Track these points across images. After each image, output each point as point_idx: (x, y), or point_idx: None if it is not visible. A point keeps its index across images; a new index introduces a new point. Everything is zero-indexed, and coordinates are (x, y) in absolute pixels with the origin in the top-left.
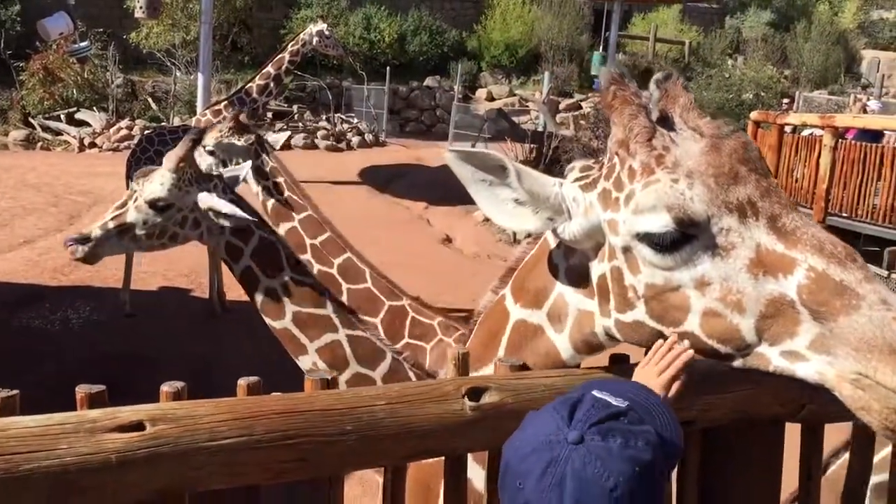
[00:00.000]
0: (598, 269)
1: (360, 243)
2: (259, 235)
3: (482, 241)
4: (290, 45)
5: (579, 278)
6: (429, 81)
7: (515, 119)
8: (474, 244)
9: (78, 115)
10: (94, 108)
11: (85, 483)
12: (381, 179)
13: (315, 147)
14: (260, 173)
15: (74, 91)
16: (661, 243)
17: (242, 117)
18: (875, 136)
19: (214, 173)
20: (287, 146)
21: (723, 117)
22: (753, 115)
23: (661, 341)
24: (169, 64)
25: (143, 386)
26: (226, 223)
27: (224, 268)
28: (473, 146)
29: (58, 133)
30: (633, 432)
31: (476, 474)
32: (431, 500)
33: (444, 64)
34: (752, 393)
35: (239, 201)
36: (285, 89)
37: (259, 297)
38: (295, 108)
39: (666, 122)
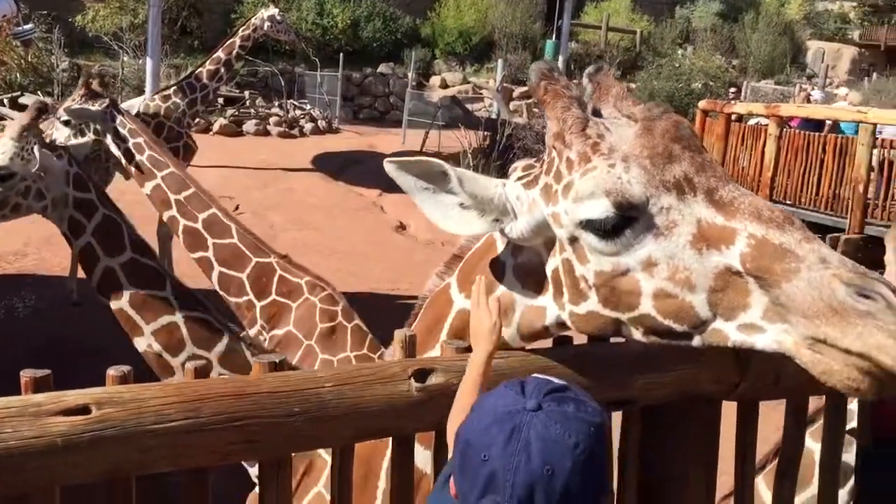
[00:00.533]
0: (551, 264)
1: (313, 230)
2: (103, 213)
3: (436, 228)
4: (240, 30)
5: (526, 275)
6: (382, 68)
7: (469, 106)
8: (428, 231)
9: (22, 100)
10: (39, 92)
11: (30, 466)
12: (335, 166)
13: (267, 133)
14: (118, 136)
15: (18, 75)
16: (604, 229)
17: (95, 84)
18: (818, 125)
19: (62, 144)
20: (238, 133)
21: (670, 106)
22: (702, 104)
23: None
24: (116, 48)
25: (90, 374)
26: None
27: (178, 256)
28: (427, 133)
29: (1, 118)
30: (581, 400)
31: (417, 454)
32: (372, 477)
33: (397, 51)
34: (690, 372)
35: (82, 178)
36: (236, 75)
37: (97, 276)
38: (246, 94)
39: (599, 114)
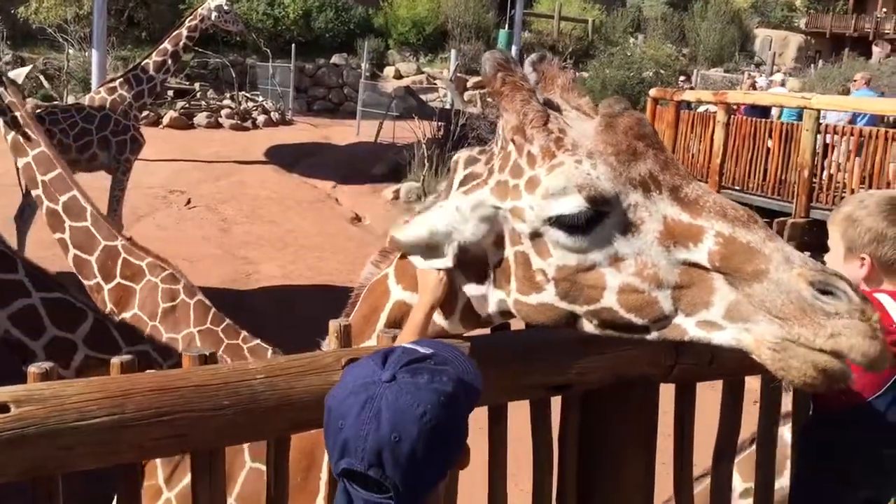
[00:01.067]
0: (497, 255)
1: (267, 223)
2: None
3: (391, 221)
4: (188, 21)
5: (467, 267)
6: (335, 59)
7: (423, 97)
8: (383, 222)
9: None
10: None
11: None
12: (289, 158)
13: (219, 126)
14: None
15: None
16: (576, 224)
17: None
18: (764, 111)
19: None
20: (189, 126)
21: (621, 95)
22: (652, 92)
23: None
24: (61, 40)
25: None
26: None
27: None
28: (381, 124)
29: None
30: (437, 371)
31: None
32: (314, 468)
33: (350, 41)
34: (625, 356)
35: None
36: (185, 66)
37: None
38: (197, 85)
39: (550, 105)
